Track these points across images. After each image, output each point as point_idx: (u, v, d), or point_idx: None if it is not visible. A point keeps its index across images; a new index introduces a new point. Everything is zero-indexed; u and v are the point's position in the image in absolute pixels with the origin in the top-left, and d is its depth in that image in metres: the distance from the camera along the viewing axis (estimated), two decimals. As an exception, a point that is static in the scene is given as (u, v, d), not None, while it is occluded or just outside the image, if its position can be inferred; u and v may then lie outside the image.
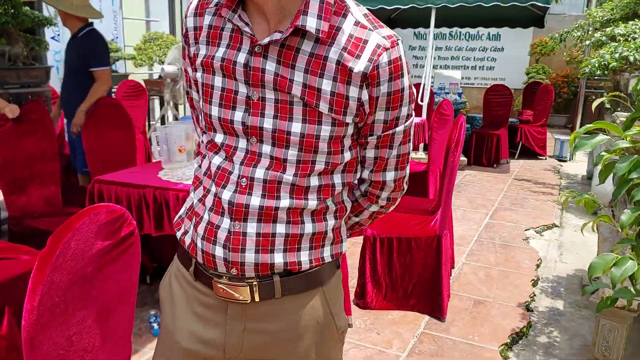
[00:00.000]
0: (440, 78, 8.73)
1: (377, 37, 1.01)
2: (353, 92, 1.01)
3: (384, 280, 3.29)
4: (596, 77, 10.10)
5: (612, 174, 0.88)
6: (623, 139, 0.87)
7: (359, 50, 1.00)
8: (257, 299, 1.10)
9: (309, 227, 1.12)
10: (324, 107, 1.01)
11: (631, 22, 2.73)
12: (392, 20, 9.21)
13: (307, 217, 1.11)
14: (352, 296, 3.39)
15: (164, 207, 2.71)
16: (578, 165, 7.88)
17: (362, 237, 3.35)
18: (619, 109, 5.58)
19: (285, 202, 1.08)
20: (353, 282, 3.47)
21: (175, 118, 6.39)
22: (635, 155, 0.87)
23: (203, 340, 1.15)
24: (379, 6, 7.07)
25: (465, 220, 5.22)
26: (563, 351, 2.98)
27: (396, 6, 7.11)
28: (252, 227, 1.08)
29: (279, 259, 1.10)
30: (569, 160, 8.25)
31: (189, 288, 1.18)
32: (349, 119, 1.04)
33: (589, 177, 6.86)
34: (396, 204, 1.29)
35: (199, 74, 1.10)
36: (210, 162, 1.13)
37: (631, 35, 2.68)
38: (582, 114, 8.27)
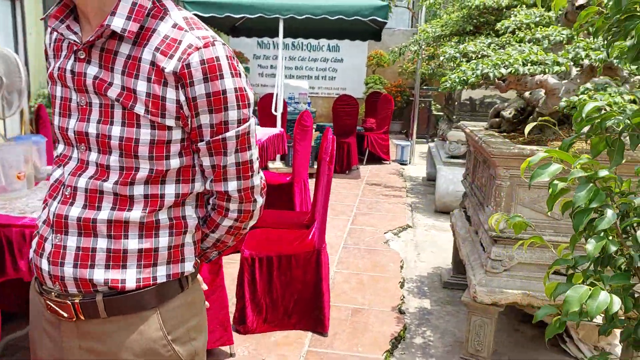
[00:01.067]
0: (289, 88, 8.84)
1: (190, 37, 1.03)
2: (170, 93, 1.02)
3: (264, 302, 3.15)
4: (424, 87, 11.16)
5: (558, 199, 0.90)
6: (578, 168, 0.90)
7: (172, 50, 1.02)
8: (82, 317, 1.08)
9: (134, 243, 1.07)
10: (139, 108, 1.02)
11: (479, 40, 3.01)
12: (237, 28, 9.09)
13: (132, 232, 1.08)
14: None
15: (6, 247, 2.23)
16: (417, 168, 8.59)
17: (238, 259, 3.17)
18: (454, 118, 6.18)
19: (104, 214, 1.06)
20: (232, 308, 3.26)
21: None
22: (591, 184, 0.89)
23: (50, 355, 1.15)
24: (226, 14, 6.91)
25: (330, 227, 5.30)
26: (438, 350, 3.15)
27: (243, 15, 7.02)
28: (72, 241, 1.07)
29: (99, 275, 1.07)
30: (409, 164, 8.96)
31: (38, 303, 1.17)
32: (169, 122, 1.04)
33: (429, 179, 7.51)
34: (254, 217, 1.24)
35: (50, 87, 1.14)
36: (51, 175, 1.16)
37: (481, 52, 2.94)
38: (417, 120, 9.07)
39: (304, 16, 6.80)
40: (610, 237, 0.87)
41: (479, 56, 2.84)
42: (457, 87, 2.53)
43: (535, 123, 1.30)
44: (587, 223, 0.86)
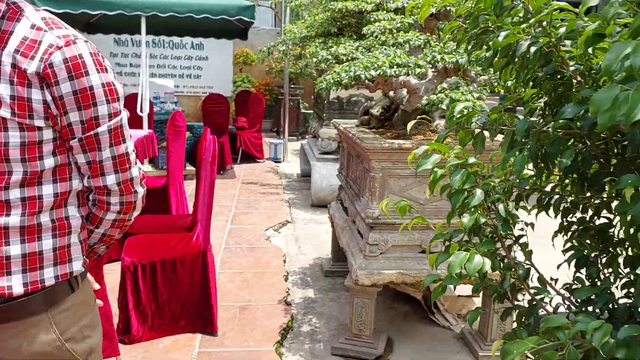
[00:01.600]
0: (154, 87, 8.51)
1: (51, 37, 1.03)
2: (35, 94, 1.02)
3: (149, 309, 3.06)
4: (293, 86, 11.45)
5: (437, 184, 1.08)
6: (453, 157, 1.08)
7: (32, 51, 1.02)
8: None
9: (16, 249, 1.07)
10: (5, 112, 1.01)
11: (348, 44, 3.23)
12: (93, 25, 8.51)
13: (14, 237, 1.06)
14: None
15: None
16: (291, 165, 8.82)
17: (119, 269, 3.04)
18: (324, 116, 6.45)
19: None
20: (116, 319, 3.12)
21: None
22: (463, 170, 1.07)
23: None
24: (81, 10, 6.45)
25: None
26: (324, 335, 3.33)
27: (101, 12, 6.60)
28: None
29: None
30: (283, 161, 9.15)
31: None
32: (39, 123, 1.05)
33: (303, 175, 7.76)
34: (137, 207, 1.28)
35: None
36: None
37: (350, 55, 3.16)
38: (289, 118, 9.28)
39: (167, 14, 6.60)
40: (479, 212, 1.07)
41: (349, 58, 3.05)
42: (332, 87, 2.70)
43: (415, 121, 1.49)
44: (462, 201, 1.04)
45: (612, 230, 1.25)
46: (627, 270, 1.20)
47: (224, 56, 12.40)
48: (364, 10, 4.48)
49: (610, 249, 1.23)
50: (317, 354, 3.12)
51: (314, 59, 3.18)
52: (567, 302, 1.17)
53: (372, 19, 3.76)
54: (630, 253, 1.20)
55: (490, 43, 1.11)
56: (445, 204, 2.98)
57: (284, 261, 4.55)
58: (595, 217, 1.28)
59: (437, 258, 1.17)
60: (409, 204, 1.25)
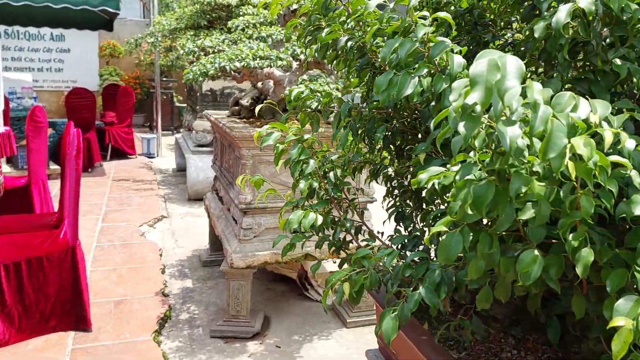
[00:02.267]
0: (8, 82, 7.81)
1: None
2: None
3: (15, 311, 2.94)
4: (165, 79, 11.15)
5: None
6: (291, 135, 1.27)
7: None
8: None
9: None
10: None
11: (214, 37, 3.34)
12: None
13: None
14: (-25, 340, 2.88)
15: None
16: (166, 161, 8.64)
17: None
18: (197, 108, 6.45)
19: None
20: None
21: None
22: (300, 144, 1.28)
23: None
24: None
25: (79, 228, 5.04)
26: (203, 320, 3.43)
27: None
28: None
29: None
30: (157, 156, 8.93)
31: None
32: None
33: (179, 170, 7.67)
34: None
35: None
36: None
37: (217, 47, 3.28)
38: (162, 112, 9.06)
39: (21, 3, 6.14)
40: (313, 179, 1.29)
41: (216, 51, 3.17)
42: (199, 78, 2.81)
43: (262, 105, 1.69)
44: (299, 170, 1.25)
45: (423, 191, 1.55)
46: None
47: (88, 48, 11.68)
48: (231, 4, 4.61)
49: (423, 207, 1.53)
50: (195, 338, 3.22)
51: (182, 51, 3.25)
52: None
53: (241, 13, 3.91)
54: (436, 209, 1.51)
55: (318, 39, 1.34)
56: (311, 187, 3.24)
57: (160, 255, 4.54)
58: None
59: (286, 222, 1.38)
60: (262, 178, 1.44)
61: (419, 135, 1.39)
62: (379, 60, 1.22)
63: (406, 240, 1.34)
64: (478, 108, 0.67)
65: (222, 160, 3.94)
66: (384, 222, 1.61)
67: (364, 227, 1.40)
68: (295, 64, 3.34)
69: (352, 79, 1.42)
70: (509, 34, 1.35)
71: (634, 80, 0.88)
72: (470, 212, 0.73)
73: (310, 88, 2.71)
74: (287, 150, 1.27)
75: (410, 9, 0.99)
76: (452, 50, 0.95)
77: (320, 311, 3.64)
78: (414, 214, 1.48)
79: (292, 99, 1.35)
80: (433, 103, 1.00)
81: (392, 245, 1.42)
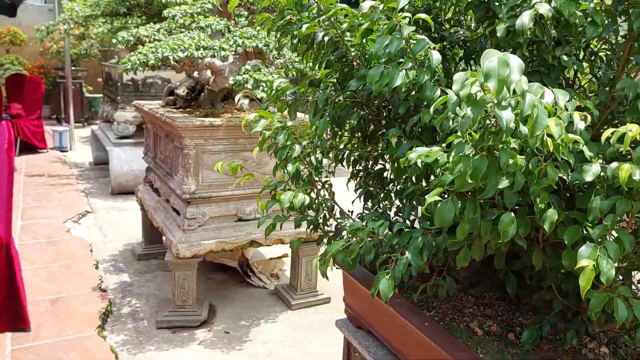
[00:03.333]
0: None
1: None
2: None
3: (-56, 315, 2.76)
4: (74, 68, 10.53)
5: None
6: (278, 122, 1.36)
7: None
8: None
9: None
10: None
11: (148, 25, 3.28)
12: None
13: None
14: None
15: None
16: (81, 154, 8.23)
17: None
18: (118, 99, 6.23)
19: None
20: None
21: None
22: (285, 130, 1.37)
23: None
24: None
25: (-6, 228, 4.73)
26: (146, 313, 3.41)
27: None
28: None
29: None
30: (70, 150, 8.47)
31: None
32: None
33: (97, 163, 7.35)
34: None
35: None
36: None
37: (152, 37, 3.23)
38: (73, 103, 8.57)
39: None
40: (299, 162, 1.40)
41: (151, 40, 3.14)
42: (139, 68, 2.78)
43: (241, 94, 1.75)
44: (286, 155, 1.35)
45: (385, 173, 1.71)
46: (398, 200, 1.68)
47: (-16, 34, 10.73)
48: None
49: (386, 187, 1.70)
50: (141, 330, 3.20)
51: (115, 41, 3.17)
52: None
53: (175, 1, 3.85)
54: (398, 188, 1.68)
55: (296, 32, 1.44)
56: (256, 176, 3.31)
57: (91, 251, 4.39)
58: (374, 165, 1.74)
59: (267, 204, 1.48)
60: (239, 165, 1.52)
61: (383, 122, 1.54)
62: (362, 55, 1.36)
63: (375, 217, 1.49)
64: (479, 95, 0.83)
65: (156, 151, 3.89)
66: (353, 201, 1.76)
67: (336, 207, 1.53)
68: (231, 55, 3.38)
69: (321, 70, 1.54)
70: (460, 32, 1.54)
71: (573, 71, 1.08)
72: (470, 181, 0.88)
73: (254, 78, 2.79)
74: (270, 137, 1.36)
75: (395, 12, 1.13)
76: (432, 48, 1.10)
77: (263, 296, 3.74)
78: (377, 194, 1.63)
79: (274, 89, 1.45)
80: (413, 93, 1.15)
81: (364, 222, 1.57)
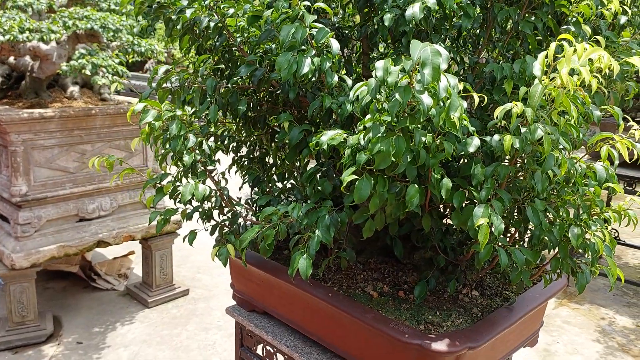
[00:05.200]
0: None
1: None
2: None
3: None
4: None
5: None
6: (168, 111, 1.27)
7: None
8: None
9: None
10: None
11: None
12: None
13: None
14: None
15: None
16: None
17: None
18: None
19: None
20: None
21: None
22: (177, 120, 1.29)
23: None
24: None
25: None
26: (-26, 338, 2.94)
27: None
28: None
29: None
30: None
31: None
32: None
33: None
34: None
35: None
36: None
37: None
38: None
39: None
40: (195, 153, 1.35)
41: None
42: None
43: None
44: (180, 145, 1.29)
45: (267, 158, 1.75)
46: (279, 183, 1.73)
47: None
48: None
49: (267, 171, 1.74)
50: (-28, 360, 2.76)
51: None
52: (250, 211, 1.61)
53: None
54: (280, 172, 1.73)
55: (174, 17, 1.37)
56: (95, 172, 3.04)
57: None
58: (254, 150, 1.76)
59: (154, 199, 1.41)
60: (118, 158, 1.41)
61: (268, 107, 1.57)
62: (237, 40, 1.35)
63: (270, 200, 1.52)
64: (404, 82, 0.92)
65: (-36, 150, 3.31)
66: (240, 187, 1.74)
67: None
68: (53, 37, 3.01)
69: (193, 56, 1.50)
70: (334, 19, 1.63)
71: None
72: (393, 159, 0.98)
73: (93, 63, 2.56)
74: (158, 128, 1.28)
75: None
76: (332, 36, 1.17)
77: (114, 299, 3.50)
78: (264, 179, 1.66)
79: (159, 76, 1.36)
80: (312, 78, 1.20)
81: (255, 206, 1.59)
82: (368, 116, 1.06)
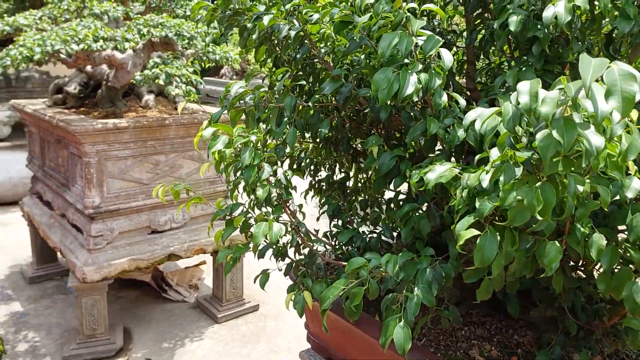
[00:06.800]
0: None
1: None
2: None
3: None
4: None
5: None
6: (241, 137, 1.09)
7: None
8: None
9: None
10: None
11: (28, 13, 2.75)
12: None
13: None
14: None
15: None
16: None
17: None
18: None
19: None
20: None
21: None
22: (251, 147, 1.11)
23: None
24: None
25: None
26: (49, 347, 2.95)
27: None
28: None
29: None
30: None
31: None
32: None
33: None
34: None
35: None
36: None
37: (34, 26, 2.71)
38: None
39: None
40: (270, 184, 1.15)
41: (32, 30, 2.64)
42: (22, 64, 2.32)
43: (183, 103, 1.43)
44: (254, 176, 1.10)
45: (347, 182, 1.52)
46: (362, 212, 1.49)
47: None
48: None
49: (348, 197, 1.51)
50: (45, 370, 2.75)
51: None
52: (329, 247, 1.39)
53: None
54: (363, 198, 1.50)
55: (250, 25, 1.18)
56: (169, 182, 2.96)
57: (-31, 278, 3.74)
58: (333, 174, 1.54)
59: (223, 234, 1.22)
60: (186, 186, 1.24)
61: (356, 128, 1.35)
62: (321, 51, 1.14)
63: (352, 237, 1.30)
64: (577, 117, 0.65)
65: (45, 158, 3.35)
66: (318, 218, 1.54)
67: (301, 228, 1.31)
68: (128, 46, 2.96)
69: (271, 68, 1.30)
70: (435, 23, 1.38)
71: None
72: (539, 217, 0.72)
73: (167, 72, 2.45)
74: (230, 156, 1.10)
75: (399, 1, 0.92)
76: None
77: (185, 311, 3.41)
78: (345, 209, 1.44)
79: (232, 95, 1.18)
80: (415, 99, 0.96)
81: (335, 242, 1.37)
82: (494, 151, 0.80)
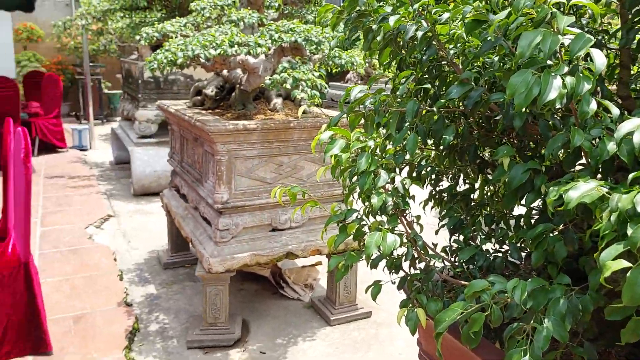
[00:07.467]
0: None
1: None
2: None
3: (-39, 340, 2.54)
4: (92, 64, 10.36)
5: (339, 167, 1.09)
6: (358, 141, 1.08)
7: None
8: None
9: None
10: None
11: (174, 20, 3.01)
12: None
13: None
14: None
15: None
16: (101, 153, 8.04)
17: None
18: (139, 97, 6.00)
19: None
20: None
21: None
22: (368, 153, 1.09)
23: None
24: None
25: (14, 235, 4.54)
26: (176, 330, 3.17)
27: None
28: None
29: None
30: (90, 149, 8.29)
31: None
32: None
33: (118, 162, 7.16)
34: None
35: None
36: None
37: (179, 32, 2.96)
38: (92, 100, 8.38)
39: None
40: (386, 192, 1.12)
41: (177, 36, 2.87)
42: (167, 67, 2.52)
43: (303, 107, 1.46)
44: (369, 183, 1.07)
45: (472, 194, 1.41)
46: (487, 227, 1.38)
47: (1, 32, 10.59)
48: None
49: (472, 211, 1.40)
50: (171, 351, 2.96)
51: (138, 37, 2.90)
52: (448, 263, 1.31)
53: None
54: (488, 212, 1.38)
55: (375, 26, 1.15)
56: (290, 182, 3.04)
57: (115, 259, 4.17)
58: (457, 184, 1.44)
59: (336, 240, 1.19)
60: (302, 190, 1.24)
61: (486, 135, 1.25)
62: (450, 52, 1.06)
63: (475, 255, 1.20)
64: None
65: (183, 155, 3.64)
66: (437, 231, 1.46)
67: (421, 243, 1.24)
68: (260, 51, 3.09)
69: (395, 72, 1.25)
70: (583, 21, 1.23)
71: None
72: None
73: (294, 77, 2.50)
74: (346, 160, 1.08)
75: (543, -6, 0.83)
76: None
77: (299, 310, 3.48)
78: (468, 223, 1.34)
79: (352, 98, 1.16)
80: (559, 105, 0.85)
81: (454, 260, 1.29)
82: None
